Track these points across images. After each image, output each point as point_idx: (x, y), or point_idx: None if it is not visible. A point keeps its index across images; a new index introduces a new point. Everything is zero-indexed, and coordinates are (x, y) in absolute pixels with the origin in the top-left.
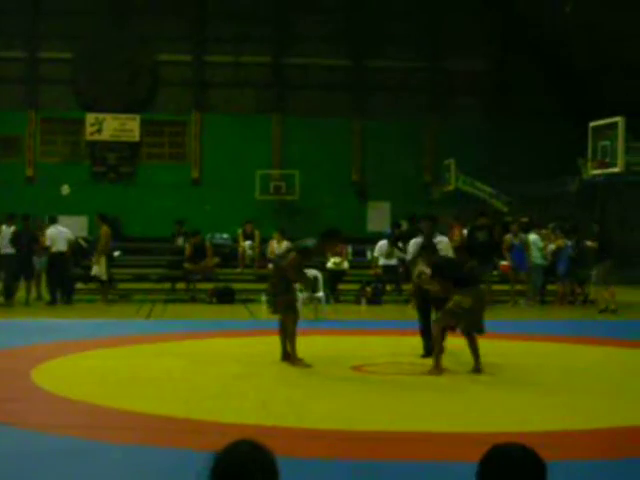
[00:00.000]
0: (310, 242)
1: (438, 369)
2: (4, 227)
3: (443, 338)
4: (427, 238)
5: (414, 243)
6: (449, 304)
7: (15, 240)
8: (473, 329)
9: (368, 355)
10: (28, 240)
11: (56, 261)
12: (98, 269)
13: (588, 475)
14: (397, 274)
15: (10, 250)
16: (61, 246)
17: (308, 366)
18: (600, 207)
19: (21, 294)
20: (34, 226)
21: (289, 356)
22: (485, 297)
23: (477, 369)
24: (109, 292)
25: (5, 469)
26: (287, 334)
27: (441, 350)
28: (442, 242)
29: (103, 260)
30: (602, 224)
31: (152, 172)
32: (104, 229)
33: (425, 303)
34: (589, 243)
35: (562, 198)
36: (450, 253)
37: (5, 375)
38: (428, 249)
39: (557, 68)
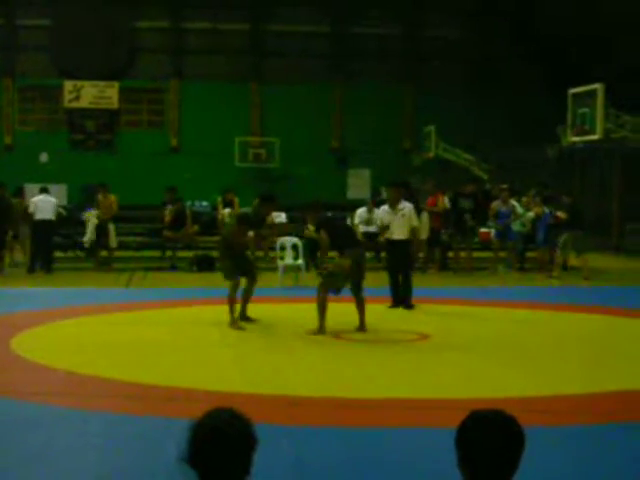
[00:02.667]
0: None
1: (321, 330)
2: None
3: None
4: (393, 203)
5: (383, 210)
6: (330, 266)
7: None
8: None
9: (347, 322)
10: (2, 208)
11: (39, 229)
12: (111, 238)
13: (567, 440)
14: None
15: None
16: (47, 214)
17: (242, 329)
18: (579, 174)
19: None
20: (10, 194)
21: (246, 317)
22: (364, 260)
23: (362, 329)
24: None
25: None
26: (243, 297)
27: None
28: (405, 208)
29: (113, 228)
30: (574, 195)
31: (131, 140)
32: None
33: (394, 260)
34: (559, 214)
35: (542, 165)
36: (414, 219)
37: None
38: (314, 209)
39: (536, 35)
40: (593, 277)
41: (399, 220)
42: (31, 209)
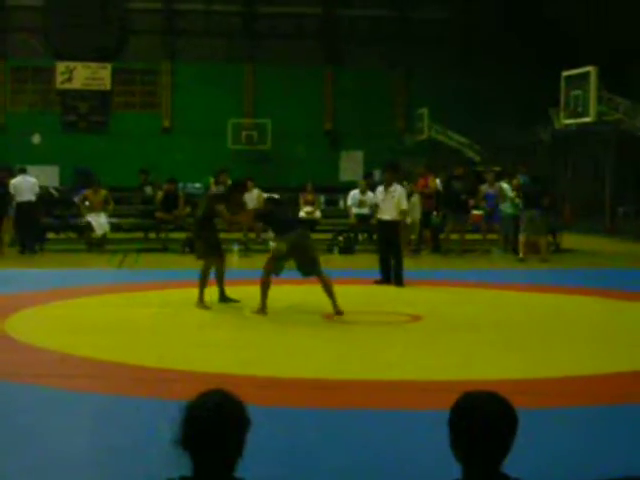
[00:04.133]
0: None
1: (263, 310)
2: None
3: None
4: (387, 185)
5: (379, 191)
6: (272, 251)
7: None
8: (306, 272)
9: (340, 304)
10: (2, 193)
11: (21, 211)
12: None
13: (560, 422)
14: (370, 223)
15: None
16: (27, 196)
17: (208, 308)
18: (572, 157)
19: None
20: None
21: (227, 298)
22: (306, 242)
23: (338, 312)
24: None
25: None
26: (217, 278)
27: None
28: (396, 190)
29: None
30: (538, 175)
31: (123, 121)
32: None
33: (383, 239)
34: (510, 194)
35: (534, 147)
36: (404, 201)
37: None
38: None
39: (529, 17)
40: (584, 259)
41: (389, 201)
42: (11, 190)
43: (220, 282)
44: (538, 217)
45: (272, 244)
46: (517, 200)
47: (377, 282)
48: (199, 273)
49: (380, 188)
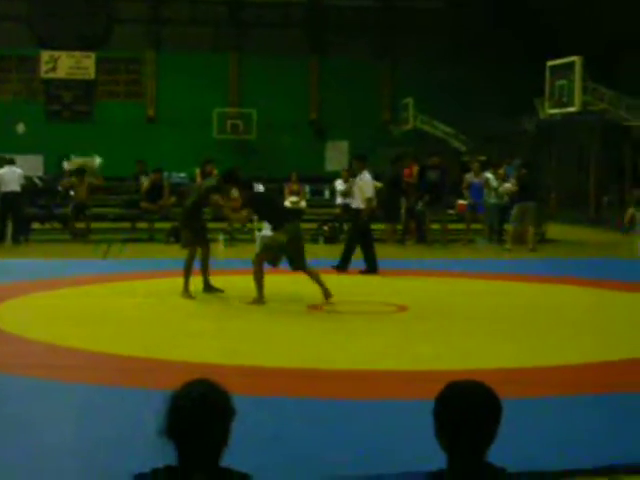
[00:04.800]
0: (212, 182)
1: (261, 300)
2: None
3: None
4: (354, 175)
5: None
6: (266, 240)
7: None
8: (296, 266)
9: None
10: None
11: (6, 201)
12: None
13: (546, 412)
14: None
15: None
16: (13, 186)
17: (193, 297)
18: (557, 147)
19: None
20: None
21: (212, 287)
22: (300, 234)
23: (327, 295)
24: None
25: None
26: (202, 268)
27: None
28: (363, 179)
29: None
30: (529, 166)
31: (108, 110)
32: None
33: (354, 226)
34: (507, 185)
35: (519, 137)
36: (371, 190)
37: None
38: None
39: (515, 7)
40: (568, 249)
41: (357, 190)
42: None
43: (205, 272)
44: (532, 208)
45: (262, 234)
46: (501, 190)
47: (334, 268)
48: (184, 263)
49: (355, 178)
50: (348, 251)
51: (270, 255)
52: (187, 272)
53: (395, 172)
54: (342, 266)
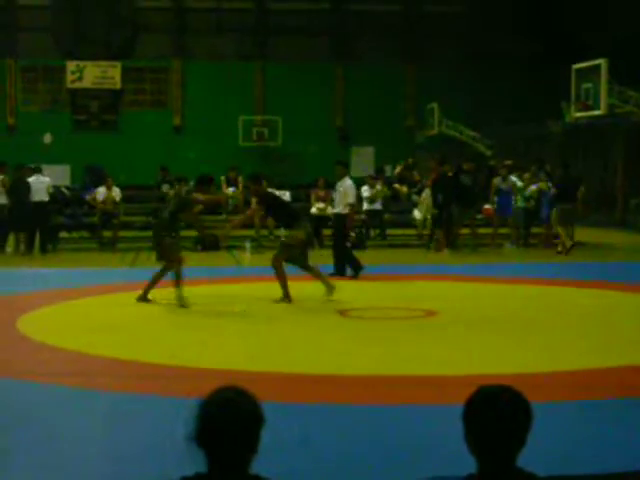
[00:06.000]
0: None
1: (288, 298)
2: None
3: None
4: (338, 179)
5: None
6: (283, 239)
7: (11, 190)
8: (301, 264)
9: (353, 300)
10: (23, 190)
11: (35, 211)
12: None
13: (575, 416)
14: (381, 219)
15: (3, 200)
16: (41, 195)
17: (188, 306)
18: (583, 150)
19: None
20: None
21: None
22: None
23: (330, 290)
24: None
25: None
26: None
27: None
28: (344, 185)
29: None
30: (567, 168)
31: (134, 120)
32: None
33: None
34: (533, 187)
35: (545, 141)
36: (351, 195)
37: None
38: (255, 181)
39: (539, 9)
40: (593, 253)
41: (339, 195)
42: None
43: (155, 283)
44: (570, 210)
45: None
46: (528, 193)
47: (332, 275)
48: (174, 275)
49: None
50: (339, 258)
51: (288, 253)
52: (179, 282)
53: (439, 175)
54: (339, 272)
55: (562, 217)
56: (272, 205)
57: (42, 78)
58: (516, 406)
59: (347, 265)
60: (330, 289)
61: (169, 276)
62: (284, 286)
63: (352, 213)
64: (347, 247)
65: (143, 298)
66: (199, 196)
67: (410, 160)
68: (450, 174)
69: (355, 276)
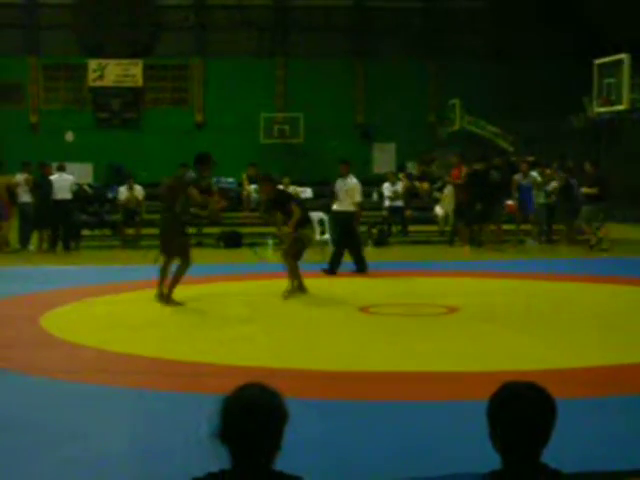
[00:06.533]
0: (189, 176)
1: (302, 288)
2: (18, 175)
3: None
4: (342, 177)
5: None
6: (295, 235)
7: (34, 189)
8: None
9: (375, 296)
10: (45, 188)
11: (57, 209)
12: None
13: (598, 412)
14: (403, 215)
15: (27, 199)
16: (64, 194)
17: (180, 304)
18: (606, 145)
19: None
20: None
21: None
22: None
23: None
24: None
25: (16, 415)
26: (175, 275)
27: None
28: (351, 182)
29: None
30: (598, 165)
31: (156, 117)
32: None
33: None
34: (554, 184)
35: (568, 136)
36: (357, 194)
37: (15, 321)
38: (268, 181)
39: (560, 6)
40: (615, 248)
41: (344, 193)
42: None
43: (164, 280)
44: (604, 208)
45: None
46: (549, 189)
47: (324, 271)
48: (177, 271)
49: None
50: (357, 254)
51: (297, 248)
52: (177, 280)
53: (483, 171)
54: (332, 269)
55: (594, 214)
56: (285, 204)
57: (64, 76)
58: (541, 402)
59: (356, 261)
60: (301, 290)
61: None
62: (298, 276)
63: (359, 211)
64: (356, 244)
65: (168, 299)
66: (196, 196)
67: (428, 156)
68: (459, 171)
69: (359, 272)
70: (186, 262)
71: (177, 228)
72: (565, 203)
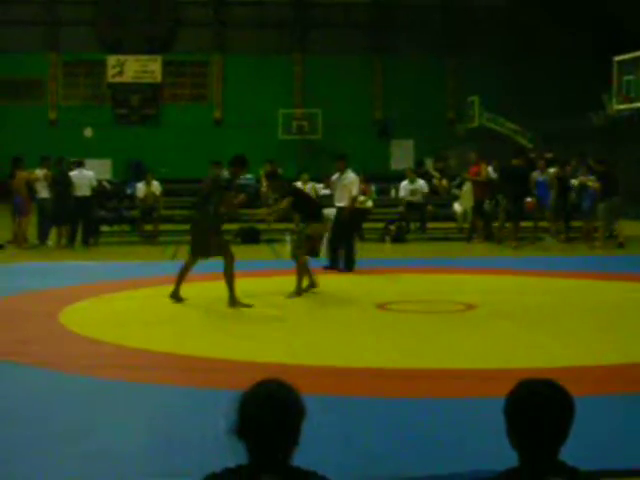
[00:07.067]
0: (224, 176)
1: (314, 283)
2: (37, 170)
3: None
4: (339, 173)
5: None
6: (307, 230)
7: (52, 184)
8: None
9: (392, 293)
10: (64, 184)
11: (77, 205)
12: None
13: (615, 409)
14: (422, 211)
15: (45, 194)
16: (84, 190)
17: (249, 306)
18: (625, 142)
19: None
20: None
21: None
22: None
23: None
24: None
25: (32, 408)
26: (226, 276)
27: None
28: (349, 177)
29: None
30: (607, 162)
31: (174, 113)
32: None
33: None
34: (590, 183)
35: (587, 134)
36: (355, 187)
37: (33, 317)
38: (274, 180)
39: (580, 2)
40: (632, 245)
41: (342, 188)
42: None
43: (232, 281)
44: (617, 204)
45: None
46: (571, 183)
47: (326, 268)
48: (226, 271)
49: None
50: (349, 251)
51: (310, 245)
52: (231, 280)
53: (520, 167)
54: (349, 267)
55: (606, 212)
56: (295, 199)
57: (83, 72)
58: (559, 400)
59: (343, 257)
60: (313, 287)
61: (192, 269)
62: (308, 274)
63: (352, 204)
64: (351, 240)
65: (234, 302)
66: (230, 201)
67: (444, 153)
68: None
69: (349, 270)
70: (230, 258)
71: (213, 227)
72: (585, 201)
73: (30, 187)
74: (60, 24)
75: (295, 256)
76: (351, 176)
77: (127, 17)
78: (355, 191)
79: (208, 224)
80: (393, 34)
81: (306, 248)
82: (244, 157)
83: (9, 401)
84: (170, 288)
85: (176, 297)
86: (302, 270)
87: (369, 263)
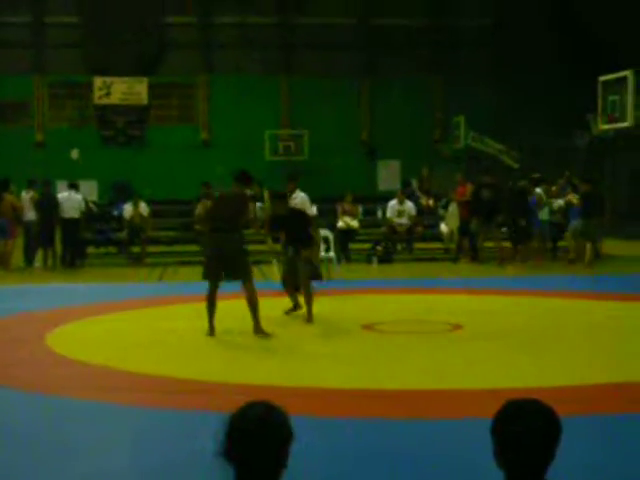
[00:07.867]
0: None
1: (297, 306)
2: (23, 193)
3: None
4: (289, 194)
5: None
6: (305, 254)
7: (38, 206)
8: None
9: (379, 314)
10: (49, 206)
11: (64, 228)
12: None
13: (600, 429)
14: (410, 233)
15: (32, 216)
16: (72, 212)
17: (269, 334)
18: (610, 162)
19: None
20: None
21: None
22: None
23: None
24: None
25: (20, 432)
26: (252, 305)
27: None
28: (299, 197)
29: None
30: (594, 181)
31: (161, 135)
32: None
33: None
34: (574, 201)
35: (573, 153)
36: (309, 206)
37: (20, 339)
38: (282, 201)
39: (565, 22)
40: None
41: None
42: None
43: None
44: (593, 224)
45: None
46: (555, 206)
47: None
48: (251, 300)
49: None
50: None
51: (315, 270)
52: (255, 309)
53: (520, 188)
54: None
55: (576, 233)
56: (296, 223)
57: (69, 94)
58: (545, 419)
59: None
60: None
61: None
62: (310, 303)
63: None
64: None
65: (259, 330)
66: (252, 214)
67: (426, 171)
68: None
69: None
70: (251, 283)
71: (242, 247)
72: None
73: (15, 209)
74: (46, 46)
75: (306, 286)
76: (301, 195)
77: (113, 39)
78: (310, 210)
79: (238, 244)
80: (379, 55)
81: (310, 272)
82: (248, 172)
83: None
84: (155, 310)
85: (211, 330)
86: (311, 295)
87: (356, 284)
